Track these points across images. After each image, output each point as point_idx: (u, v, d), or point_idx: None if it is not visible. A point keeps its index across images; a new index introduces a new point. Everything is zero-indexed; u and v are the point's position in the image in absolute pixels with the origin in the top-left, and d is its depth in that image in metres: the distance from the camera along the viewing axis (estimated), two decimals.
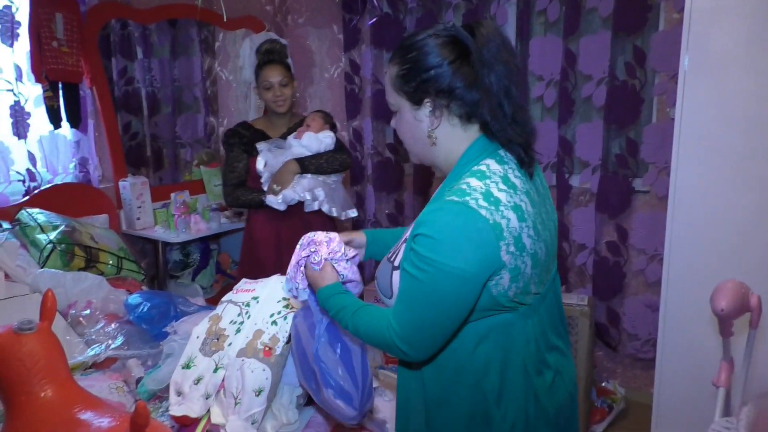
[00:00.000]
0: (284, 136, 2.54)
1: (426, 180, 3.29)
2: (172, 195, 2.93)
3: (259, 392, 1.49)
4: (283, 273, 1.94)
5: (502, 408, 1.15)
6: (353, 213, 2.53)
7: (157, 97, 3.32)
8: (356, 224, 3.61)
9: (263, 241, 2.53)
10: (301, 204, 2.41)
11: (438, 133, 1.14)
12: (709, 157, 1.99)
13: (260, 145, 2.47)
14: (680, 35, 2.01)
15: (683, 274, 2.09)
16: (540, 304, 1.17)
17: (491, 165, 1.10)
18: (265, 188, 2.44)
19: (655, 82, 2.60)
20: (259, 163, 2.43)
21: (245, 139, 2.49)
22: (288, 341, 1.56)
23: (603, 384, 2.82)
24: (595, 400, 2.70)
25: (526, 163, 1.13)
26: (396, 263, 1.18)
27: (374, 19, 3.25)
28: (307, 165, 2.43)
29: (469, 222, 1.03)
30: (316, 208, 2.42)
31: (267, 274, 1.82)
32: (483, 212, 1.03)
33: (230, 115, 3.61)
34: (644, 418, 2.39)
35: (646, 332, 2.76)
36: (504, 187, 1.07)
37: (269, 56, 2.48)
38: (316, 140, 2.47)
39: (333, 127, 2.58)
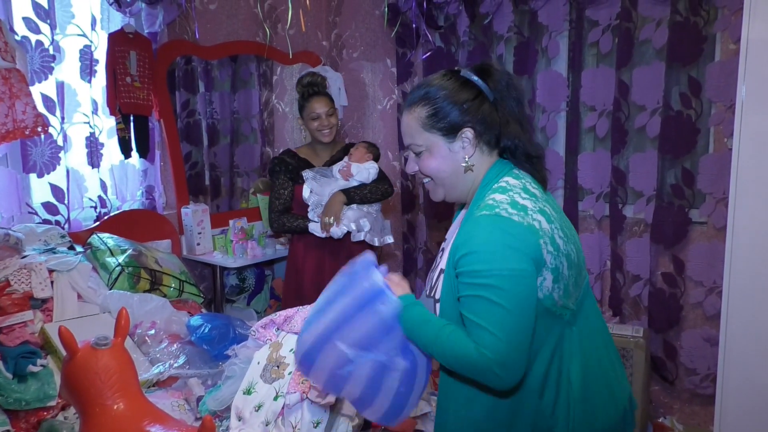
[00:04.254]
0: (327, 164, 2.64)
1: None
2: (231, 221, 3.04)
3: (317, 424, 1.53)
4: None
5: (555, 418, 1.17)
6: (390, 239, 2.62)
7: (216, 128, 3.48)
8: (407, 252, 3.65)
9: (306, 267, 2.61)
10: None
11: (472, 161, 1.24)
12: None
13: (306, 174, 2.55)
14: (737, 65, 2.00)
15: (744, 306, 2.03)
16: (579, 309, 1.22)
17: (510, 181, 1.21)
18: (311, 216, 2.52)
19: (712, 112, 2.58)
20: (305, 191, 2.52)
21: (290, 167, 2.58)
22: None
23: (660, 420, 2.74)
24: None
25: (539, 178, 1.26)
26: (437, 296, 1.23)
27: (428, 54, 3.33)
28: (352, 196, 2.51)
29: (505, 229, 1.11)
30: (362, 238, 2.49)
31: (310, 301, 1.87)
32: (515, 218, 1.12)
33: (285, 145, 3.73)
34: None
35: (704, 367, 2.67)
36: (526, 196, 1.17)
37: (314, 88, 2.58)
38: (361, 172, 2.54)
39: (376, 158, 2.66)
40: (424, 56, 3.35)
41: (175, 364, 1.91)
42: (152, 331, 2.06)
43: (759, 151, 1.95)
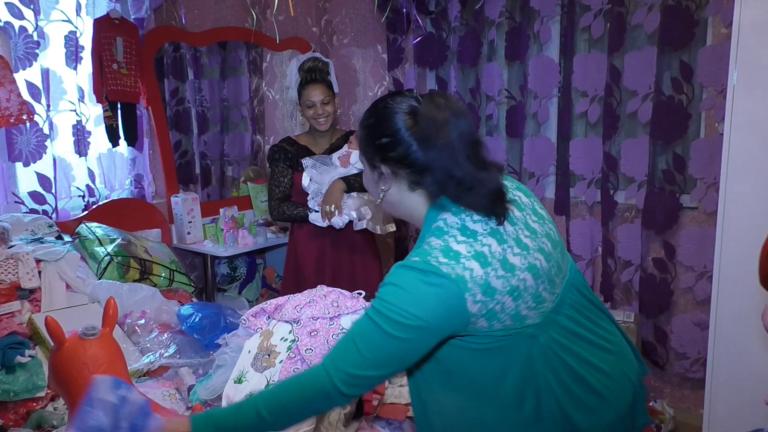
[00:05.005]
0: (327, 152, 2.60)
1: None
2: (221, 210, 3.02)
3: None
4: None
5: (543, 425, 1.15)
6: (392, 227, 2.55)
7: (206, 116, 3.45)
8: (398, 239, 3.65)
9: (307, 256, 2.58)
10: None
11: (392, 196, 1.19)
12: (759, 172, 1.95)
13: (306, 161, 2.52)
14: (728, 50, 1.99)
15: (734, 291, 2.04)
16: (555, 314, 1.17)
17: (448, 218, 1.12)
18: (311, 204, 2.49)
19: (703, 97, 2.57)
20: (305, 180, 2.49)
21: (290, 155, 2.55)
22: None
23: (651, 404, 2.76)
24: None
25: (495, 217, 1.11)
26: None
27: (418, 39, 3.31)
28: (352, 183, 2.48)
29: (432, 279, 1.04)
30: (364, 226, 2.44)
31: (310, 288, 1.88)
32: (444, 268, 1.05)
33: (276, 133, 3.71)
34: None
35: (695, 351, 2.69)
36: (462, 239, 1.09)
37: (311, 75, 2.54)
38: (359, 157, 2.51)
39: None
40: (414, 41, 3.33)
41: (166, 354, 1.90)
42: (142, 321, 2.05)
43: (749, 136, 1.95)
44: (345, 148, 2.57)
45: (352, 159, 2.50)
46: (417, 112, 1.11)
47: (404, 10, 3.25)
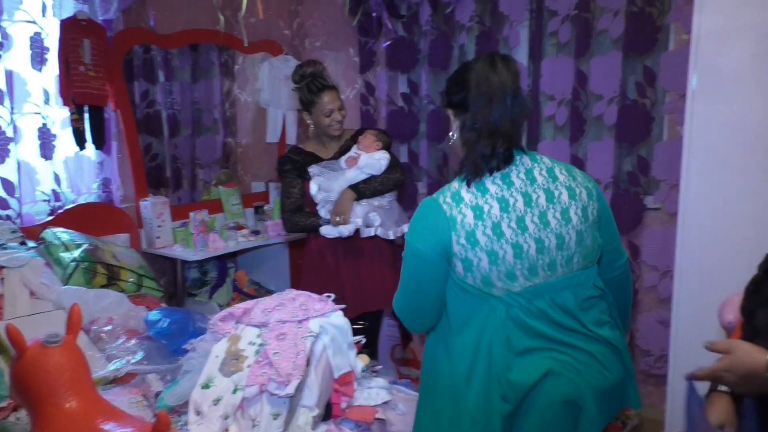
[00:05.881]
0: (337, 155, 2.54)
1: None
2: (191, 214, 3.00)
3: (276, 416, 1.53)
4: (344, 294, 2.26)
5: (470, 389, 1.31)
6: (407, 228, 2.49)
7: (177, 119, 3.42)
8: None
9: (326, 265, 2.52)
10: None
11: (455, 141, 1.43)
12: (716, 174, 2.01)
13: (312, 170, 2.45)
14: (688, 55, 2.05)
15: (693, 289, 2.10)
16: (528, 300, 1.30)
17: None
18: (321, 213, 2.43)
19: (666, 100, 2.63)
20: (313, 188, 2.41)
21: (298, 164, 2.49)
22: (307, 364, 1.60)
23: None
24: None
25: (503, 152, 1.31)
26: None
27: (388, 42, 3.32)
28: (362, 191, 2.41)
29: (431, 212, 1.32)
30: (372, 234, 2.39)
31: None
32: (444, 207, 1.30)
33: (248, 136, 3.69)
34: None
35: (658, 348, 2.75)
36: (473, 190, 1.31)
37: (324, 81, 2.45)
38: (371, 160, 2.43)
39: (387, 146, 2.54)
40: (384, 45, 3.34)
41: (133, 360, 1.88)
42: (109, 327, 2.02)
43: (708, 138, 2.00)
44: (354, 149, 2.51)
45: (360, 162, 2.42)
46: (472, 68, 1.33)
47: (374, 14, 3.27)
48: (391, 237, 2.42)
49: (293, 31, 3.81)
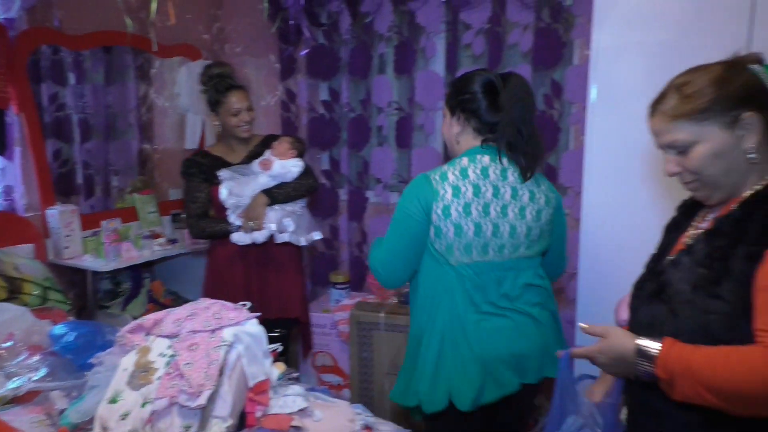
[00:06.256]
0: (246, 160, 2.50)
1: (360, 205, 3.37)
2: (103, 222, 2.89)
3: (187, 428, 1.50)
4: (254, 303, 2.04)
5: (427, 339, 1.66)
6: (318, 235, 2.50)
7: (89, 123, 3.28)
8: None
9: (233, 275, 2.47)
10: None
11: (460, 138, 1.72)
12: (613, 181, 2.15)
13: (222, 174, 2.40)
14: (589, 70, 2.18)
15: (594, 290, 2.23)
16: (475, 274, 1.64)
17: (463, 160, 1.65)
18: (231, 219, 2.38)
19: (572, 112, 2.78)
20: (223, 193, 2.36)
21: (204, 168, 2.43)
22: (220, 374, 1.58)
23: None
24: None
25: (524, 169, 1.65)
26: None
27: (307, 50, 3.33)
28: (275, 196, 2.40)
29: (423, 184, 1.63)
30: (286, 239, 2.38)
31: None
32: (432, 181, 1.62)
33: (166, 142, 3.60)
34: None
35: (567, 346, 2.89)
36: (457, 173, 1.62)
37: (228, 81, 2.43)
38: (283, 169, 2.42)
39: (301, 154, 2.54)
40: (303, 53, 3.36)
41: (35, 377, 1.79)
42: (9, 344, 1.92)
43: (605, 148, 2.14)
44: (267, 153, 2.48)
45: (274, 170, 2.41)
46: (508, 80, 1.65)
47: (291, 21, 3.27)
48: (303, 243, 2.43)
49: (213, 36, 3.75)
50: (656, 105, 1.23)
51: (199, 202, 2.42)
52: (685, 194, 1.34)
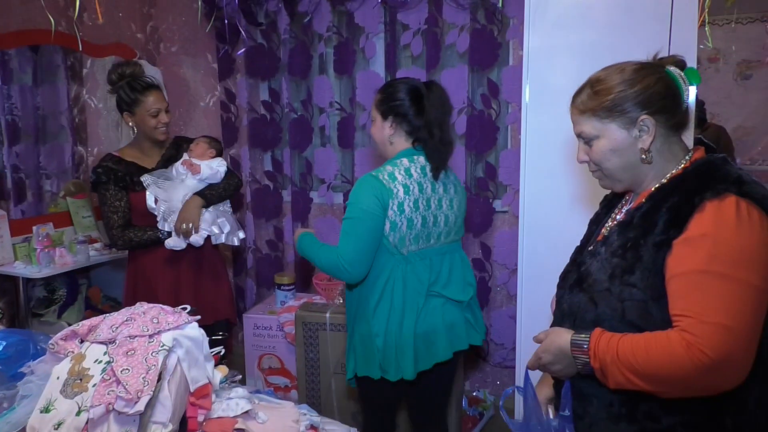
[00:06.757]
0: (161, 165, 2.42)
1: (304, 206, 3.36)
2: (34, 228, 2.78)
3: None
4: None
5: (375, 318, 1.86)
6: (242, 234, 2.50)
7: (18, 125, 3.15)
8: (236, 251, 3.60)
9: (160, 284, 2.38)
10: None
11: (393, 140, 1.91)
12: (548, 179, 2.22)
13: (145, 179, 2.30)
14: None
15: (534, 284, 2.30)
16: (420, 259, 1.88)
17: (403, 161, 1.86)
18: (164, 226, 2.30)
19: (509, 111, 2.86)
20: (149, 199, 2.28)
21: (120, 173, 2.30)
22: (159, 379, 1.54)
23: (474, 393, 3.00)
24: (467, 409, 2.87)
25: (435, 168, 1.88)
26: None
27: (243, 50, 3.30)
28: (209, 197, 2.36)
29: (373, 184, 1.79)
30: (222, 240, 2.36)
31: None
32: (383, 181, 1.79)
33: (100, 143, 3.49)
34: None
35: (511, 341, 2.97)
36: (403, 173, 1.83)
37: (145, 80, 2.33)
38: (211, 170, 2.38)
39: (219, 153, 2.50)
40: (240, 52, 3.32)
41: None
42: None
43: (539, 146, 2.21)
44: (185, 156, 2.42)
45: (203, 173, 2.35)
46: (431, 88, 1.90)
47: (227, 21, 3.23)
48: (236, 243, 2.43)
49: (147, 35, 3.66)
50: (574, 97, 1.31)
51: (120, 211, 2.29)
52: None
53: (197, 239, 2.30)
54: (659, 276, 1.11)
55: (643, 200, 1.23)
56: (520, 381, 2.42)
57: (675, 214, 1.13)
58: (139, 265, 2.40)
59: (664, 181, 1.22)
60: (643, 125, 1.19)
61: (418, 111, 1.86)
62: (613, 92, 1.21)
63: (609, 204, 1.43)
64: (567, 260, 2.18)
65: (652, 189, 1.23)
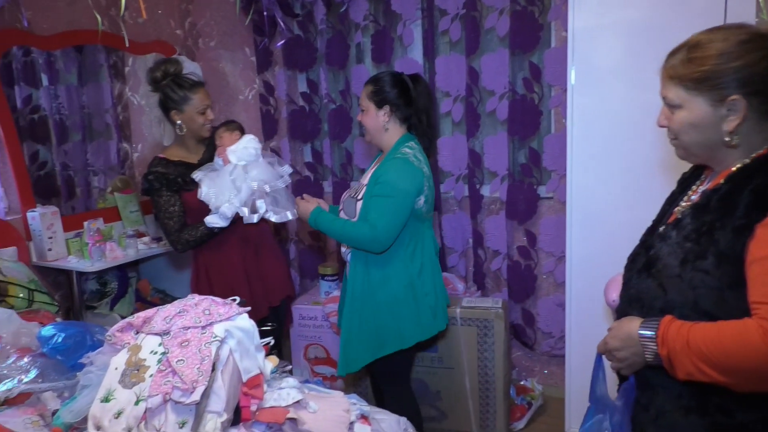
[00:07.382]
0: (205, 160, 2.39)
1: None
2: (85, 223, 2.86)
3: (182, 424, 1.49)
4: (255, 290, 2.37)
5: (421, 279, 2.08)
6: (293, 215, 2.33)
7: (65, 124, 3.23)
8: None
9: (226, 268, 2.36)
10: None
11: (388, 126, 2.10)
12: (597, 162, 2.17)
13: (196, 175, 2.26)
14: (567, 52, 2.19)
15: (583, 271, 2.25)
16: (430, 226, 2.17)
17: (411, 143, 2.08)
18: (227, 210, 2.21)
19: (552, 95, 2.80)
20: (202, 193, 2.23)
21: (171, 176, 2.30)
22: (213, 369, 1.57)
23: (522, 382, 2.97)
24: (515, 398, 2.84)
25: (426, 149, 2.14)
26: (359, 197, 2.08)
27: (282, 42, 3.31)
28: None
29: (410, 167, 2.00)
30: (255, 220, 2.25)
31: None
32: (415, 163, 2.02)
33: (144, 140, 3.56)
34: (561, 412, 2.51)
35: (559, 330, 2.92)
36: (420, 157, 2.06)
37: (193, 79, 2.33)
38: (242, 153, 2.28)
39: (242, 130, 2.41)
40: (278, 44, 3.33)
41: (25, 379, 1.77)
42: None
43: (587, 130, 2.16)
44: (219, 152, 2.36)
45: (232, 159, 2.26)
46: (418, 80, 2.14)
47: (265, 13, 3.24)
48: (290, 217, 2.28)
49: (185, 31, 3.71)
50: (669, 56, 1.18)
51: (175, 216, 2.29)
52: (674, 172, 1.34)
53: (222, 215, 2.21)
54: (738, 262, 1.04)
55: (722, 181, 1.14)
56: (570, 370, 2.38)
57: (759, 196, 1.05)
58: (206, 258, 2.39)
59: (747, 161, 1.13)
60: (733, 105, 1.08)
61: (408, 100, 2.09)
62: (708, 63, 1.09)
63: (685, 182, 1.33)
64: (618, 246, 2.12)
65: (733, 169, 1.14)
